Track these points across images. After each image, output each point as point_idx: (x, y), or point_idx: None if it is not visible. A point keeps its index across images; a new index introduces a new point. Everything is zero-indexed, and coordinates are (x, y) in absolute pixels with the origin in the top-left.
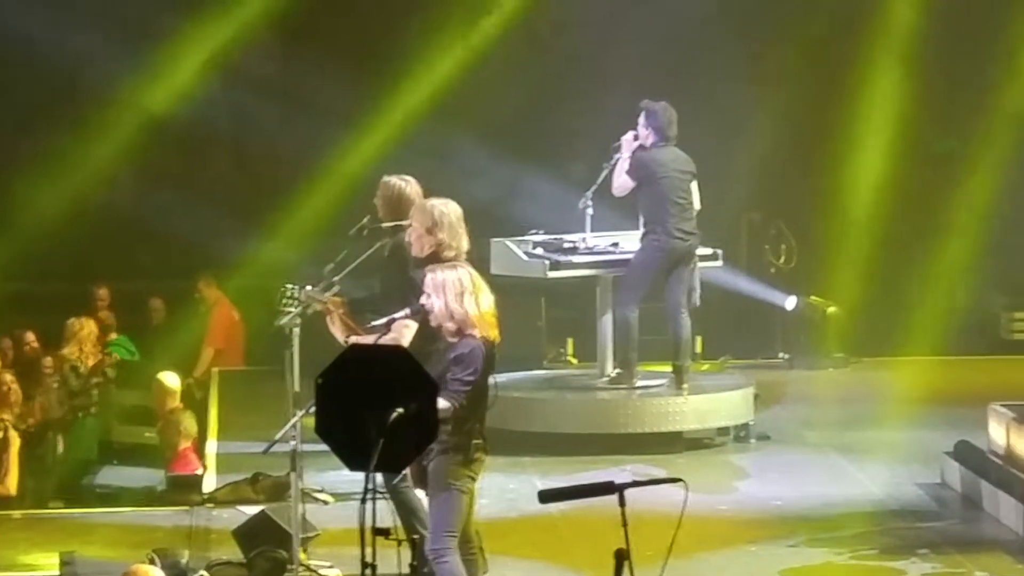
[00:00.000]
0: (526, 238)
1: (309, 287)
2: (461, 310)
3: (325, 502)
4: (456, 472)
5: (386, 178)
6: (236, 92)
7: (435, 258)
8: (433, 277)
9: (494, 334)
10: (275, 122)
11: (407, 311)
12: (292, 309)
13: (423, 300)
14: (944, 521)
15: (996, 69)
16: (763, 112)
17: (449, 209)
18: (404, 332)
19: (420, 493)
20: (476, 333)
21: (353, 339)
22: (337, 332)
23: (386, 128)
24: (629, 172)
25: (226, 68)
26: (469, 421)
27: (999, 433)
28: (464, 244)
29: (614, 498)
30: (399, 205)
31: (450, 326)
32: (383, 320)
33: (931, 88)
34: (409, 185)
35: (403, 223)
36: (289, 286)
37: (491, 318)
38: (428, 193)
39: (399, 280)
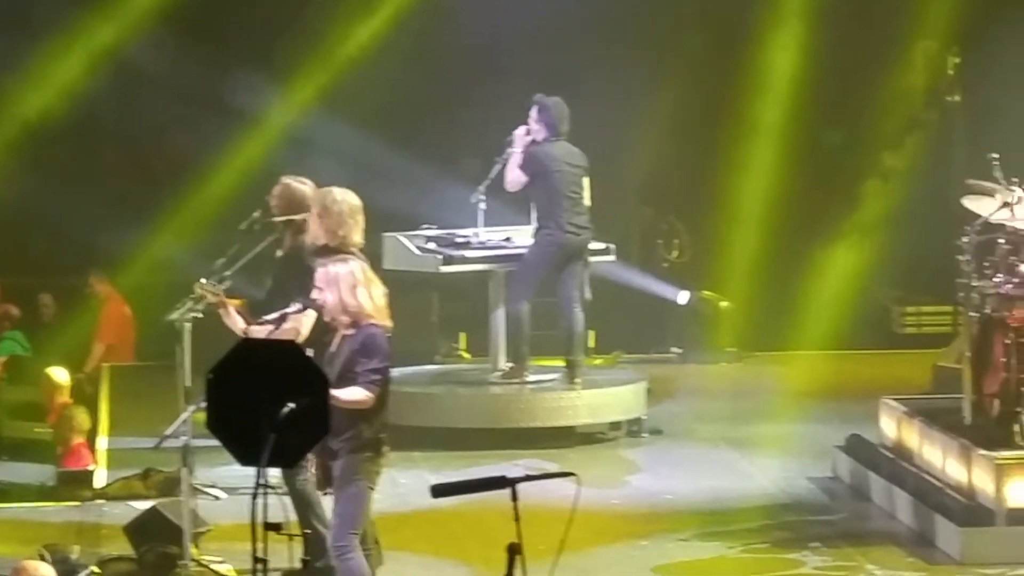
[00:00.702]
0: (419, 232)
1: (203, 280)
2: (355, 303)
3: (216, 497)
4: (366, 468)
5: (286, 179)
6: (126, 87)
7: (326, 249)
8: (325, 271)
9: (390, 324)
10: (166, 117)
11: (297, 306)
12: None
13: (314, 295)
14: (836, 515)
15: (885, 64)
16: (656, 107)
17: (344, 198)
18: (303, 322)
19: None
20: (376, 322)
21: (253, 330)
22: (234, 324)
23: (278, 124)
24: (522, 166)
25: (116, 62)
26: (380, 415)
27: (890, 427)
28: (354, 236)
29: (506, 493)
30: (292, 204)
31: (344, 319)
32: (275, 315)
33: (821, 84)
34: (305, 187)
35: (295, 217)
36: (203, 281)
37: (385, 309)
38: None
39: (295, 279)
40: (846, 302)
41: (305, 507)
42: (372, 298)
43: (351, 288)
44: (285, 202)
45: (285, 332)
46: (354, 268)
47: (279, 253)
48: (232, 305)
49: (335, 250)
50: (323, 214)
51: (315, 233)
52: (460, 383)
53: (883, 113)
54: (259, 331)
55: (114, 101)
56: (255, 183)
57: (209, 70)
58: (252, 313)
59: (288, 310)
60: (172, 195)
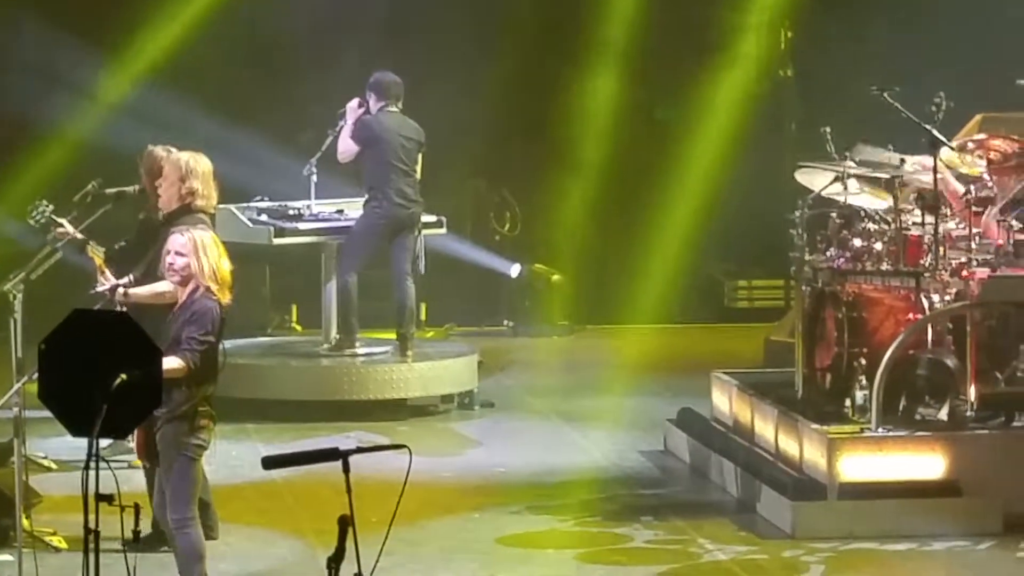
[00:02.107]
0: (251, 205)
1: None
2: (224, 270)
3: (49, 468)
4: (186, 440)
5: (151, 147)
6: None
7: (186, 210)
8: (190, 236)
9: (229, 297)
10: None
11: (128, 278)
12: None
13: (173, 260)
14: (667, 488)
15: (719, 37)
16: (489, 80)
17: (199, 158)
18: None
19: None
20: (214, 295)
21: (133, 291)
22: (105, 286)
23: (111, 95)
24: (353, 135)
25: None
26: (201, 386)
27: (722, 401)
28: (215, 200)
29: (338, 465)
30: (151, 173)
31: (211, 285)
32: (108, 285)
33: (654, 57)
34: (158, 152)
35: (126, 189)
36: (44, 202)
37: (230, 282)
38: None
39: (141, 244)
40: (678, 276)
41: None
42: (218, 267)
43: (218, 255)
44: (145, 168)
45: (164, 292)
46: (214, 235)
47: (141, 216)
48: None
49: (191, 215)
50: (186, 178)
51: (170, 197)
52: (291, 355)
53: (716, 87)
54: (142, 292)
55: None
56: (89, 156)
57: (41, 40)
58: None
59: (120, 281)
60: (2, 167)
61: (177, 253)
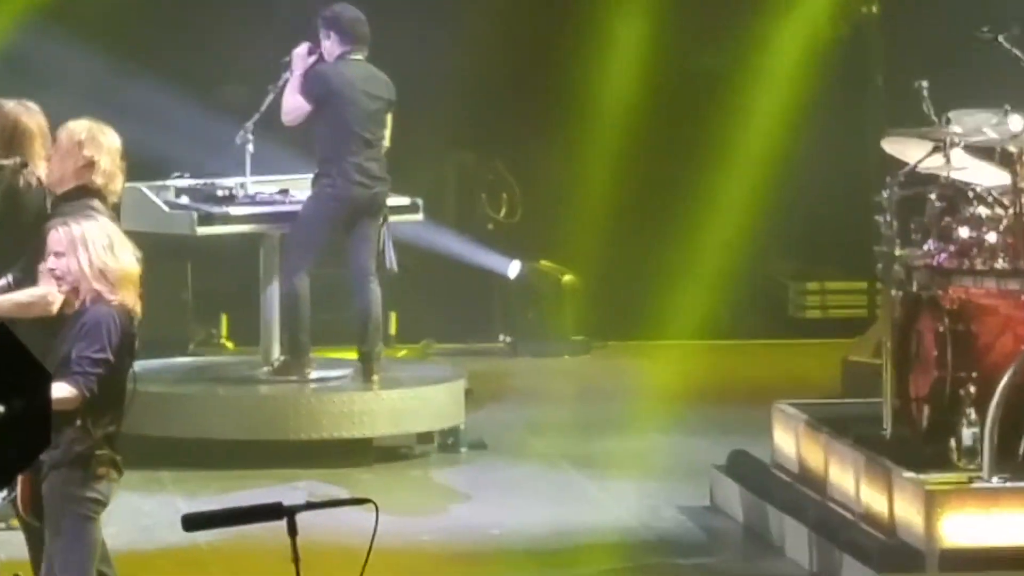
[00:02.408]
0: (167, 183)
1: None
2: (115, 266)
3: None
4: (79, 493)
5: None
6: None
7: (83, 191)
8: (67, 231)
9: (135, 304)
10: None
11: (6, 279)
12: None
13: (51, 263)
14: (714, 556)
15: None
16: (476, 22)
17: (104, 130)
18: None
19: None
20: (113, 299)
21: None
22: None
23: None
24: (303, 90)
25: None
26: (99, 421)
27: (786, 441)
28: (120, 184)
29: (282, 525)
30: (13, 139)
31: (98, 287)
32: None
33: None
34: (31, 115)
35: (14, 161)
36: None
37: (136, 283)
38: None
39: (15, 234)
40: (728, 277)
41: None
42: (128, 263)
43: (108, 247)
44: (2, 140)
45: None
46: (104, 223)
47: None
48: None
49: (83, 199)
50: (81, 147)
51: (64, 173)
52: (220, 381)
53: (775, 28)
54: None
55: None
56: None
57: None
58: None
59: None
60: None
61: (55, 253)
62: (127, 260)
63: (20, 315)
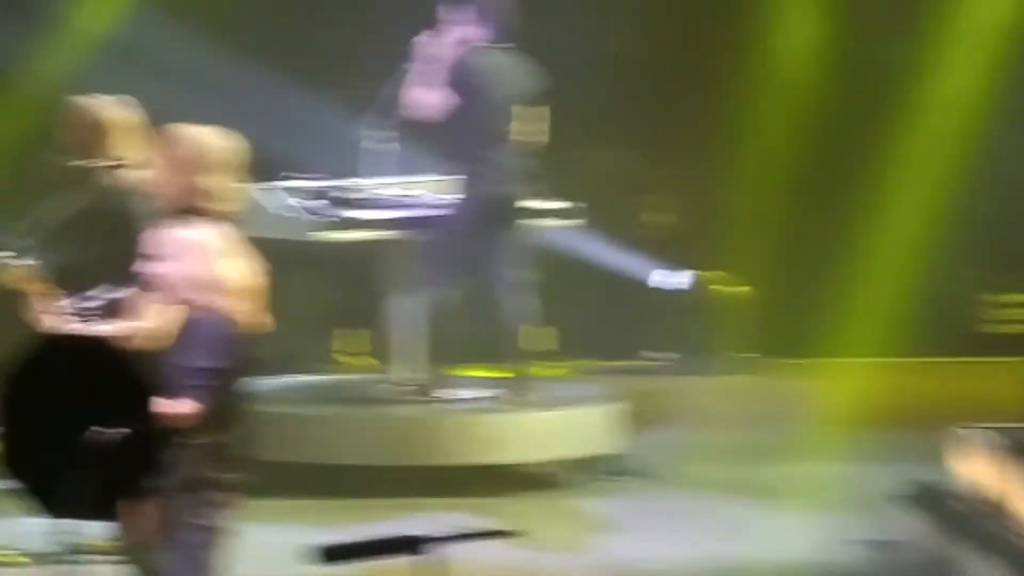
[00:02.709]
0: (283, 185)
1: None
2: (213, 275)
3: (18, 563)
4: (196, 521)
5: (76, 100)
6: None
7: (193, 213)
8: (173, 236)
9: (254, 315)
10: None
11: (120, 290)
12: None
13: (157, 267)
14: None
15: None
16: (637, 8)
17: (224, 142)
18: (158, 314)
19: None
20: (221, 308)
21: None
22: (45, 320)
23: (88, 31)
24: (441, 81)
25: None
26: (215, 440)
27: (972, 468)
28: (240, 201)
29: (420, 559)
30: (99, 138)
31: (203, 297)
32: (99, 300)
33: None
34: (116, 109)
35: (107, 163)
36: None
37: (255, 293)
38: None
39: (104, 244)
40: (910, 290)
41: None
42: (243, 273)
43: (216, 255)
44: (85, 141)
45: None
46: (218, 231)
47: (83, 205)
48: (43, 292)
49: (207, 213)
50: (195, 170)
51: (178, 190)
52: (351, 402)
53: (964, 14)
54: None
55: None
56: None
57: None
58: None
59: (115, 294)
60: None
61: (160, 258)
62: (239, 268)
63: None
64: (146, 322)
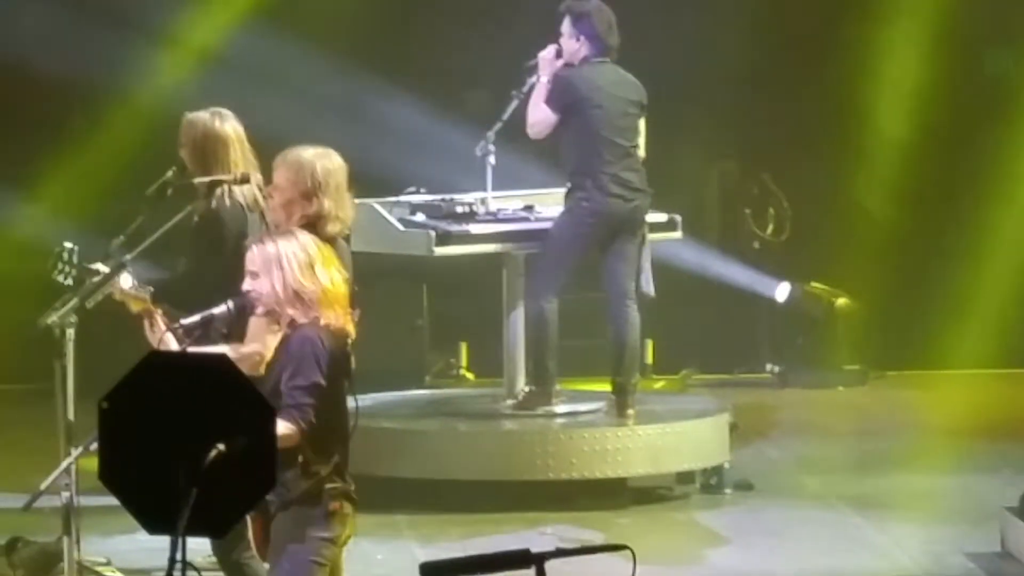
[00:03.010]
0: (401, 198)
1: (128, 282)
2: (312, 287)
3: None
4: (308, 534)
5: (190, 115)
6: None
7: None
8: (262, 249)
9: (347, 324)
10: (36, 32)
11: (228, 304)
12: (64, 280)
13: (247, 284)
14: None
15: None
16: (741, 19)
17: (334, 164)
18: (264, 336)
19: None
20: (313, 320)
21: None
22: (160, 342)
23: (198, 42)
24: (549, 100)
25: None
26: (323, 455)
27: None
28: (351, 214)
29: (529, 574)
30: (212, 152)
31: (292, 312)
32: (195, 317)
33: None
34: (224, 122)
35: (222, 178)
36: (68, 245)
37: (344, 301)
38: (259, 135)
39: (213, 260)
40: (1020, 301)
41: None
42: (332, 283)
43: (305, 267)
44: (199, 156)
45: (244, 358)
46: (305, 242)
47: (195, 220)
48: (160, 314)
49: (324, 235)
50: (313, 193)
51: (288, 213)
52: (460, 416)
53: None
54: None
55: None
56: (167, 127)
57: None
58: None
59: (214, 310)
60: (47, 146)
61: (250, 273)
62: (326, 279)
63: (248, 368)
64: (255, 346)
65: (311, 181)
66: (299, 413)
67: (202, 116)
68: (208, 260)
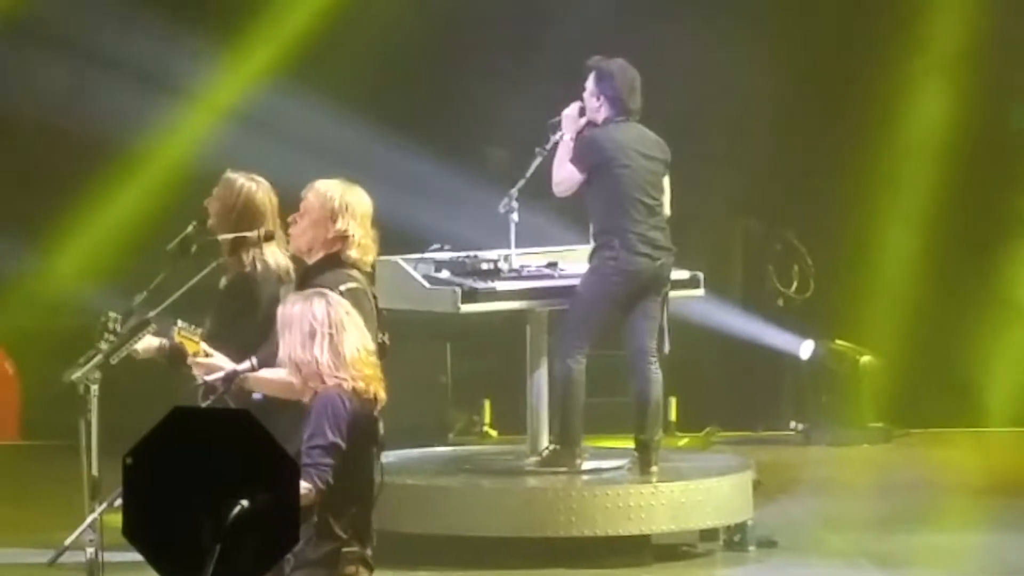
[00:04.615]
0: (425, 256)
1: (179, 323)
2: (307, 358)
3: None
4: None
5: (230, 174)
6: (4, 44)
7: (334, 261)
8: (281, 311)
9: (374, 387)
10: (64, 89)
11: (252, 361)
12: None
13: (279, 344)
14: None
15: None
16: (761, 76)
17: (360, 194)
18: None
19: None
20: (338, 383)
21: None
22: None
23: (221, 100)
24: (575, 159)
25: None
26: (343, 515)
27: None
28: (373, 255)
29: None
30: (243, 213)
31: (322, 372)
32: (220, 374)
33: (1005, 38)
34: (260, 188)
35: (247, 235)
36: (112, 315)
37: (368, 367)
38: (281, 191)
39: (243, 322)
40: None
41: None
42: (341, 350)
43: (307, 336)
44: (230, 216)
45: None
46: (317, 309)
47: (223, 281)
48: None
49: (336, 270)
50: (336, 216)
51: (312, 241)
52: (483, 472)
53: None
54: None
55: None
56: (190, 183)
57: (123, 27)
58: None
59: (239, 366)
60: (71, 200)
61: (281, 334)
62: (353, 344)
63: (282, 395)
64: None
65: (338, 202)
66: (317, 472)
67: (243, 181)
68: (237, 322)
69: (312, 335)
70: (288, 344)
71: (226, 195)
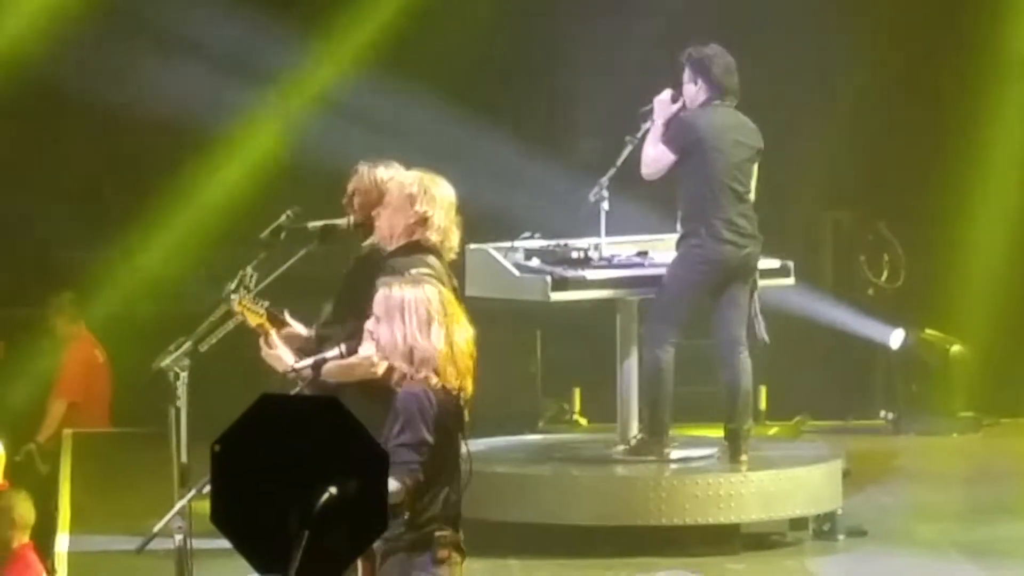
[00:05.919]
0: (516, 244)
1: (234, 293)
2: (426, 345)
3: None
4: None
5: (362, 165)
6: (94, 39)
7: (413, 247)
8: (387, 295)
9: (464, 382)
10: (153, 82)
11: (340, 348)
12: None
13: (369, 325)
14: None
15: None
16: (855, 65)
17: (443, 183)
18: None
19: None
20: (429, 378)
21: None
22: (278, 360)
23: (311, 88)
24: (668, 140)
25: (80, 3)
26: (432, 505)
27: None
28: (455, 240)
29: None
30: (376, 201)
31: (404, 367)
32: (308, 361)
33: None
34: (387, 174)
35: (336, 222)
36: (250, 271)
37: (466, 360)
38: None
39: (356, 303)
40: None
41: None
42: (450, 341)
43: (424, 323)
44: (363, 196)
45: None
46: (431, 295)
47: (348, 268)
48: (275, 330)
49: (415, 255)
50: (415, 200)
51: (392, 227)
52: (573, 461)
53: None
54: (331, 368)
55: (75, 57)
56: (280, 172)
57: (213, 16)
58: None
59: (327, 353)
60: (161, 190)
61: (376, 316)
62: (446, 339)
63: (345, 378)
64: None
65: (416, 187)
66: (406, 471)
67: (380, 168)
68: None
69: (429, 323)
70: (400, 329)
71: (361, 186)
